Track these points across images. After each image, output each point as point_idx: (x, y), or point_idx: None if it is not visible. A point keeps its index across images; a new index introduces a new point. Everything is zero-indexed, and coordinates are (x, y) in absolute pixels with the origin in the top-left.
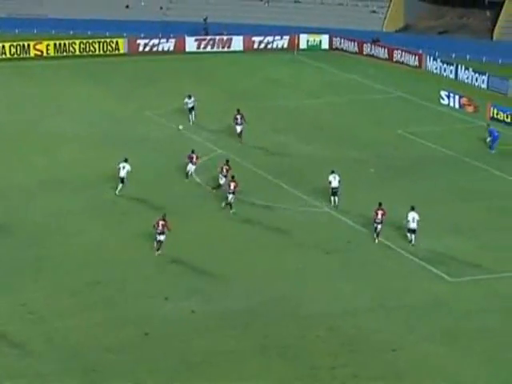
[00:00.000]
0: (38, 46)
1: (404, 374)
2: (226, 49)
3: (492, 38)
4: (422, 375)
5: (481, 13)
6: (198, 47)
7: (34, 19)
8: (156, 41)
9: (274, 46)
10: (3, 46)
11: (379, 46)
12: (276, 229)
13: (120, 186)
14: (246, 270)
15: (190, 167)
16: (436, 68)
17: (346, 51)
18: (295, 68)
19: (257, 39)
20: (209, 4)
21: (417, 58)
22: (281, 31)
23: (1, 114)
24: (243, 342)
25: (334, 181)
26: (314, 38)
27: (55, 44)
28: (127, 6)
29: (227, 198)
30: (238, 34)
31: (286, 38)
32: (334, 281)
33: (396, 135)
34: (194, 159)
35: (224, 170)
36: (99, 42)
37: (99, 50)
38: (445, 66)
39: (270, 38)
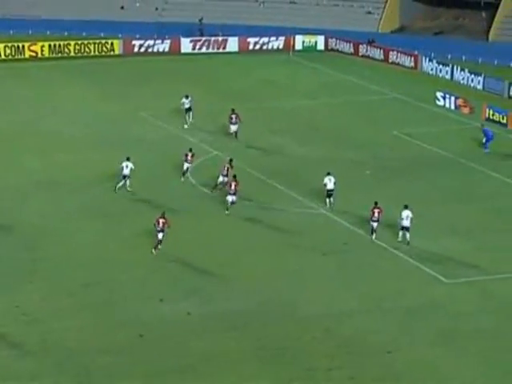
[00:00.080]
0: (32, 47)
1: (400, 376)
2: (221, 50)
3: (488, 38)
4: (418, 377)
5: (476, 14)
6: (194, 48)
7: (29, 20)
8: (151, 42)
9: (270, 46)
10: None
11: (375, 46)
12: (272, 230)
13: (121, 182)
14: (242, 272)
15: (186, 166)
16: (432, 69)
17: (341, 52)
18: (291, 69)
19: (252, 40)
20: (204, 5)
21: (412, 58)
22: (276, 32)
23: None
24: (239, 344)
25: (330, 183)
26: (309, 39)
27: (50, 45)
28: (122, 7)
29: (228, 198)
30: (233, 35)
31: (282, 38)
32: (330, 282)
33: (392, 136)
34: (189, 157)
35: (225, 170)
36: (94, 43)
37: (94, 51)
38: (440, 66)
39: (265, 39)
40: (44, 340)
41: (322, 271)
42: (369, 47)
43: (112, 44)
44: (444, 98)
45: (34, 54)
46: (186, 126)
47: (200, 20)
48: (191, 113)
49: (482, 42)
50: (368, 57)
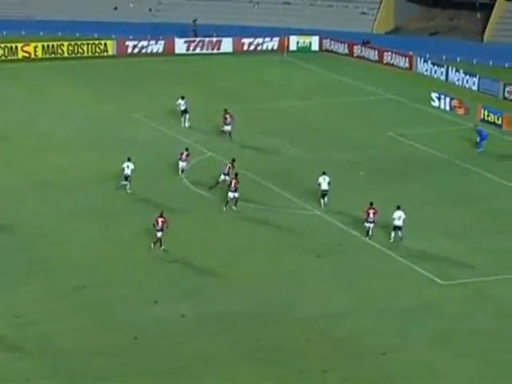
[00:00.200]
0: (25, 48)
1: (395, 378)
2: (215, 50)
3: (483, 39)
4: (413, 378)
5: (471, 14)
6: (188, 49)
7: (22, 21)
8: (145, 42)
9: (264, 47)
10: None
11: (369, 47)
12: (267, 232)
13: (123, 182)
14: (237, 273)
15: (181, 164)
16: (426, 70)
17: (336, 53)
18: (285, 70)
19: (246, 41)
20: (198, 6)
21: (407, 59)
22: (270, 33)
23: None
24: (234, 346)
25: (324, 183)
26: (303, 40)
27: (43, 46)
28: (116, 8)
29: (227, 196)
30: (227, 36)
31: (276, 39)
32: (325, 284)
33: (386, 137)
34: (184, 156)
35: (227, 169)
36: (87, 44)
37: (88, 52)
38: (435, 67)
39: (259, 40)
40: (39, 342)
41: (317, 272)
42: (363, 48)
43: (106, 45)
44: (439, 98)
45: (27, 55)
46: (185, 126)
47: (194, 21)
48: (187, 115)
49: (476, 43)
50: (363, 57)
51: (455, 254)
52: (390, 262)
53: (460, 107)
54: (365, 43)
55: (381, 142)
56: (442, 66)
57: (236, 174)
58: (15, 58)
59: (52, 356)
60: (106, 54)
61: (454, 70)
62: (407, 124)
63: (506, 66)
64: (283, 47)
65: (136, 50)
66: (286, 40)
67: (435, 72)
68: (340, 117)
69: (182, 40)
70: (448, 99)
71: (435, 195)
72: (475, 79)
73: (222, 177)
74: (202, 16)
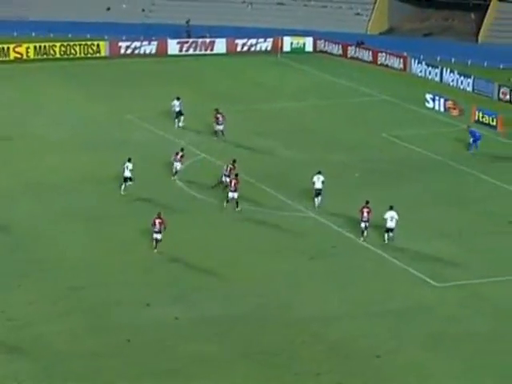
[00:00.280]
0: (17, 49)
1: (389, 380)
2: (208, 51)
3: (477, 40)
4: (408, 381)
5: (465, 15)
6: (181, 50)
7: (14, 22)
8: (138, 43)
9: (258, 48)
10: None
11: (363, 48)
12: (260, 234)
13: (123, 185)
14: (229, 276)
15: (176, 165)
16: (421, 71)
17: (330, 54)
18: (279, 71)
19: (240, 42)
20: (191, 6)
21: (401, 60)
22: (264, 33)
23: None
24: (227, 348)
25: (318, 182)
26: (297, 41)
27: (35, 47)
28: (108, 8)
29: (227, 195)
30: (220, 37)
31: (270, 40)
32: (319, 286)
33: (381, 139)
34: (179, 157)
35: (228, 170)
36: (80, 45)
37: (80, 53)
38: (430, 68)
39: (253, 41)
40: (34, 343)
41: (311, 275)
42: (357, 49)
43: (98, 45)
44: (433, 100)
45: (19, 56)
46: (178, 126)
47: (187, 21)
48: (182, 117)
49: (471, 44)
50: (357, 58)
51: (450, 255)
52: (384, 263)
53: (454, 108)
54: (359, 44)
55: (375, 143)
56: (437, 67)
57: (236, 175)
58: (7, 59)
59: (46, 358)
60: (98, 54)
61: (448, 70)
62: (401, 125)
63: (501, 66)
64: (277, 48)
65: (129, 51)
66: (280, 41)
67: (429, 73)
68: (334, 118)
69: (175, 41)
70: (442, 100)
71: (430, 196)
72: (470, 80)
73: (223, 178)
74: (195, 17)
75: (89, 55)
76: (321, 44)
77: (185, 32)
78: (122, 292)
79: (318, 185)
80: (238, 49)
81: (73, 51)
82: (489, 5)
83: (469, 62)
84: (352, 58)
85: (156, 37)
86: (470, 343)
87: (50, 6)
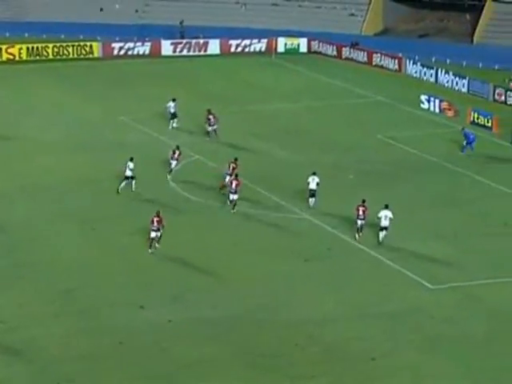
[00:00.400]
0: (10, 50)
1: (384, 383)
2: (202, 52)
3: (472, 41)
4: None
5: (460, 16)
6: (174, 51)
7: (7, 22)
8: (131, 44)
9: (252, 49)
10: None
11: (358, 49)
12: (255, 236)
13: (124, 183)
14: (224, 278)
15: (172, 163)
16: (416, 72)
17: (324, 55)
18: (273, 72)
19: (234, 42)
20: (185, 7)
21: (396, 61)
22: (258, 34)
23: None
24: (220, 351)
25: (312, 182)
26: (291, 42)
27: (28, 48)
28: (101, 9)
29: (228, 196)
30: (214, 38)
31: (264, 41)
32: (314, 288)
33: (376, 140)
34: (176, 155)
35: (230, 169)
36: (73, 46)
37: (73, 54)
38: (425, 69)
39: (247, 42)
40: (26, 346)
41: (306, 277)
42: (352, 50)
43: (91, 47)
44: (428, 101)
45: (11, 57)
46: (172, 127)
47: (181, 22)
48: (176, 119)
49: (466, 45)
50: (351, 59)
51: (445, 256)
52: (379, 265)
53: (450, 109)
54: (353, 45)
55: (370, 144)
56: (432, 68)
57: (236, 175)
58: None
59: (39, 360)
60: (91, 55)
61: (443, 71)
62: (397, 126)
63: (496, 67)
64: (271, 49)
65: (122, 52)
66: (274, 42)
67: (425, 74)
68: (329, 119)
69: (169, 42)
70: (437, 101)
71: (425, 198)
72: (465, 81)
73: (227, 178)
74: (189, 17)
75: (82, 56)
76: (315, 45)
77: (178, 33)
78: (116, 294)
79: (313, 186)
80: (232, 50)
81: (66, 52)
82: (484, 5)
83: (464, 63)
84: (347, 58)
85: (149, 38)
86: (465, 345)
87: (42, 7)
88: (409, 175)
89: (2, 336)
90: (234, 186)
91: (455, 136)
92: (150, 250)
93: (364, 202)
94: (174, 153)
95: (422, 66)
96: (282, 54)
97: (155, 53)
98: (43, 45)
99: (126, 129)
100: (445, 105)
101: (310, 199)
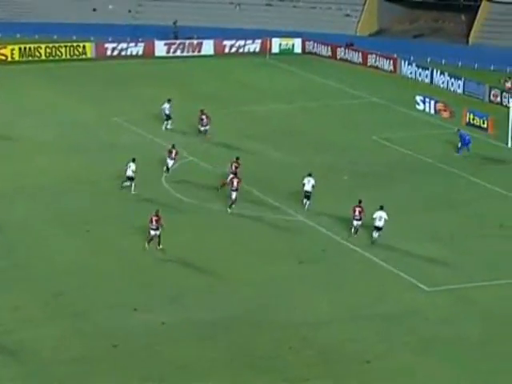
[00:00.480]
0: (2, 51)
1: None
2: (196, 53)
3: (468, 41)
4: None
5: (456, 16)
6: (168, 51)
7: None
8: (124, 45)
9: (246, 49)
10: None
11: (353, 50)
12: (249, 237)
13: (128, 183)
14: (217, 280)
15: (169, 162)
16: (411, 72)
17: (319, 55)
18: (267, 72)
19: (228, 43)
20: (179, 7)
21: (391, 62)
22: (252, 35)
23: None
24: (214, 354)
25: (308, 184)
26: (286, 42)
27: (20, 48)
28: (94, 9)
29: (231, 195)
30: (208, 38)
31: (258, 41)
32: (308, 290)
33: (371, 141)
34: (173, 154)
35: (233, 167)
36: (66, 46)
37: (66, 55)
38: (420, 70)
39: (241, 42)
40: (19, 349)
41: (300, 279)
42: (347, 50)
43: (84, 47)
44: (424, 102)
45: (3, 58)
46: (166, 128)
47: (174, 23)
48: (170, 121)
49: (461, 45)
50: (346, 60)
51: (440, 258)
52: (374, 267)
53: (445, 110)
54: (348, 45)
55: (365, 146)
56: (427, 69)
57: (235, 174)
58: None
59: (32, 363)
60: (84, 56)
61: (438, 72)
62: (392, 128)
63: (492, 68)
64: (265, 49)
65: (115, 53)
66: (268, 42)
67: (420, 75)
68: (323, 120)
69: (162, 42)
70: (433, 102)
71: (420, 199)
72: (460, 82)
73: (230, 176)
74: (183, 18)
75: (75, 57)
76: (310, 45)
77: (172, 33)
78: (111, 296)
79: (308, 188)
80: (226, 50)
81: (58, 53)
82: (479, 6)
83: (459, 64)
84: (341, 59)
85: (143, 38)
86: (460, 347)
87: (35, 7)
88: (404, 176)
89: None
90: (235, 184)
91: (451, 137)
92: (146, 246)
93: (360, 202)
94: (170, 152)
95: (417, 66)
96: (276, 54)
97: (149, 53)
98: (36, 45)
99: (120, 130)
100: (440, 106)
101: (305, 201)
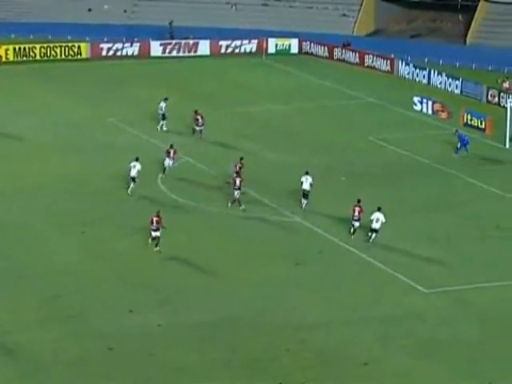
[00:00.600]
0: None
1: None
2: (192, 53)
3: (465, 42)
4: None
5: (453, 16)
6: (164, 52)
7: None
8: (120, 45)
9: (242, 50)
10: None
11: (350, 50)
12: (246, 239)
13: (132, 185)
14: (214, 282)
15: (168, 162)
16: (408, 73)
17: (315, 55)
18: (263, 73)
19: (224, 43)
20: (174, 7)
21: (388, 62)
22: (248, 35)
23: None
24: (210, 356)
25: (306, 183)
26: (282, 42)
27: (15, 48)
28: (90, 10)
29: (233, 194)
30: (204, 38)
31: (254, 41)
32: (305, 292)
33: (368, 142)
34: (172, 154)
35: (237, 167)
36: (61, 47)
37: (61, 55)
38: (417, 70)
39: (237, 42)
40: (15, 352)
41: (297, 280)
42: (344, 50)
43: (79, 47)
44: (421, 102)
45: None
46: (162, 130)
47: (170, 23)
48: (165, 121)
49: (459, 46)
50: (343, 60)
51: (438, 260)
52: (371, 269)
53: (443, 111)
54: (345, 46)
55: (362, 146)
56: (424, 69)
57: (237, 172)
58: None
59: (27, 366)
60: (79, 56)
61: (436, 73)
62: (389, 128)
63: (489, 68)
64: (262, 50)
65: (111, 53)
66: (265, 42)
67: (417, 75)
68: (320, 121)
69: (158, 42)
70: (430, 103)
71: (417, 200)
72: (458, 82)
73: (234, 175)
74: (179, 18)
75: (70, 57)
76: (306, 46)
77: (168, 33)
78: (107, 298)
79: (306, 186)
80: (222, 50)
81: (53, 53)
82: (477, 6)
83: (457, 64)
84: (338, 59)
85: (138, 38)
86: (458, 350)
87: (29, 7)
88: (401, 177)
89: None
90: (238, 183)
91: (448, 138)
92: (150, 241)
93: (359, 201)
94: (168, 152)
95: (415, 67)
96: (272, 54)
97: (144, 54)
98: (30, 45)
99: (115, 130)
100: (438, 106)
101: (303, 200)
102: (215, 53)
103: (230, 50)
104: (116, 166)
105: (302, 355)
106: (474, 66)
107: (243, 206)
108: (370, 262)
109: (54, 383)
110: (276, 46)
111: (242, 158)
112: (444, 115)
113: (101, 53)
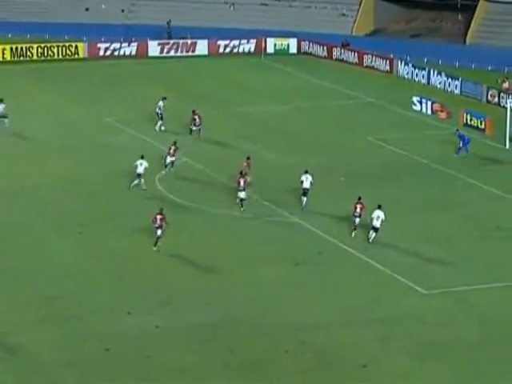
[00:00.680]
0: None
1: None
2: (190, 53)
3: (465, 41)
4: None
5: (453, 16)
6: (162, 51)
7: None
8: (117, 45)
9: (240, 50)
10: None
11: (349, 50)
12: (245, 240)
13: (136, 181)
14: (213, 282)
15: (169, 159)
16: (407, 73)
17: (314, 55)
18: (262, 73)
19: (222, 43)
20: (172, 7)
21: (388, 62)
22: (247, 35)
23: None
24: (208, 357)
25: (306, 181)
26: (281, 42)
27: (11, 48)
28: (87, 9)
29: (238, 195)
30: (202, 38)
31: (253, 41)
32: (305, 293)
33: (366, 142)
34: (172, 151)
35: (245, 168)
36: (58, 46)
37: (58, 55)
38: (417, 70)
39: (235, 42)
40: (12, 353)
41: (296, 281)
42: (343, 50)
43: (76, 47)
44: (420, 102)
45: None
46: (161, 129)
47: (168, 22)
48: (162, 121)
49: (459, 45)
50: (342, 60)
51: (437, 261)
52: (371, 270)
53: (442, 111)
54: (344, 45)
55: (361, 146)
56: (424, 69)
57: (241, 172)
58: None
59: (25, 367)
60: (76, 56)
61: (435, 72)
62: (388, 128)
63: (489, 68)
64: (260, 50)
65: (108, 53)
66: (263, 42)
67: (416, 75)
68: (318, 121)
69: (156, 42)
70: (430, 103)
71: (417, 201)
72: (457, 82)
73: (238, 176)
74: (177, 17)
75: (67, 57)
76: (305, 45)
77: (166, 33)
78: (104, 299)
79: (307, 185)
80: (221, 50)
81: (50, 53)
82: (476, 5)
83: (456, 64)
84: (337, 59)
85: (136, 38)
86: (458, 351)
87: (26, 7)
88: (400, 178)
89: None
90: (242, 183)
91: (447, 138)
92: (154, 248)
93: (360, 198)
94: (169, 148)
95: (414, 66)
96: (271, 54)
97: (142, 53)
98: (27, 45)
99: (112, 130)
100: (437, 106)
101: (303, 198)
102: (213, 53)
103: (228, 49)
104: (113, 166)
105: (301, 356)
106: (473, 65)
107: (243, 208)
108: (370, 262)
109: None
110: (275, 45)
111: (248, 158)
112: (443, 115)
113: (98, 53)
